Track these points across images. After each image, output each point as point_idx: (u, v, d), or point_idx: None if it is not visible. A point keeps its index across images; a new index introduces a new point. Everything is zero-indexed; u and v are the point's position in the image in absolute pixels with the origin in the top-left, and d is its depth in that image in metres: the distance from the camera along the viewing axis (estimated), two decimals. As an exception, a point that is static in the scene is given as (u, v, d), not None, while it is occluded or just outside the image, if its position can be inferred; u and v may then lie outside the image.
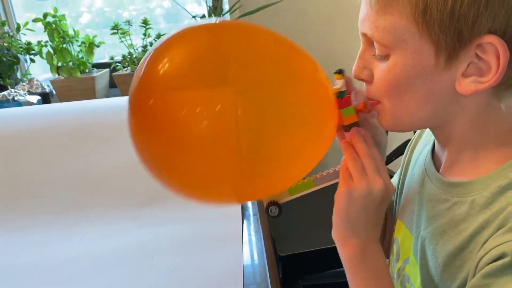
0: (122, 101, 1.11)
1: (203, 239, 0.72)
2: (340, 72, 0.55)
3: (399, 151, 1.39)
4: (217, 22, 0.50)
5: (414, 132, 0.67)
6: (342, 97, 0.53)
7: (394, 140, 1.49)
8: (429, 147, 0.56)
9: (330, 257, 1.19)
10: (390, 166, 1.44)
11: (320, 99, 0.50)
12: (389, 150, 1.45)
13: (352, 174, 0.50)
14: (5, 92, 1.26)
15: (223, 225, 0.75)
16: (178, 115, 0.43)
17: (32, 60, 1.59)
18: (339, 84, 0.54)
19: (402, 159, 0.66)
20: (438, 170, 0.53)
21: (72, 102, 1.11)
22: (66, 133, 0.91)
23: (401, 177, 0.64)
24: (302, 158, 0.50)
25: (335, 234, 0.52)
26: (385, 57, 0.47)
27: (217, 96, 0.43)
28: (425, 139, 0.60)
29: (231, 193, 0.50)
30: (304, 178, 0.57)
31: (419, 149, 0.61)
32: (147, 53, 0.48)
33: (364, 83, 0.51)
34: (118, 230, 0.75)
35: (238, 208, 0.80)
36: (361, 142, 0.51)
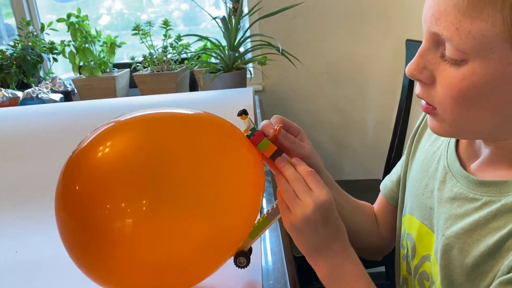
0: (143, 100, 1.13)
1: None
2: (243, 112, 0.56)
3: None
4: (149, 115, 0.52)
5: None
6: (253, 135, 0.55)
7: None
8: (452, 144, 0.55)
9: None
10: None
11: (242, 158, 0.52)
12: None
13: (287, 204, 0.51)
14: (29, 90, 1.29)
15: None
16: (102, 208, 0.46)
17: (55, 59, 1.63)
18: (245, 124, 0.56)
19: (405, 150, 0.67)
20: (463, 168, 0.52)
21: (94, 100, 1.13)
22: (90, 130, 0.92)
23: (405, 167, 0.64)
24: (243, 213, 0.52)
25: (308, 259, 0.53)
26: (460, 63, 0.43)
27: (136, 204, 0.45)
28: (431, 133, 0.59)
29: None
30: (258, 218, 0.57)
31: (426, 142, 0.61)
32: (90, 134, 0.51)
33: (418, 84, 0.49)
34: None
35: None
36: (286, 167, 0.52)
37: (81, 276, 0.57)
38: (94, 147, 0.50)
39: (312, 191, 0.50)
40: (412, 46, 1.43)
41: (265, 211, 0.57)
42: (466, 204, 0.49)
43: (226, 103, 1.00)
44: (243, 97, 1.02)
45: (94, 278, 0.51)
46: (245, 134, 0.55)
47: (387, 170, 1.53)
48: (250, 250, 0.57)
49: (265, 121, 0.56)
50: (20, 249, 0.70)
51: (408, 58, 1.47)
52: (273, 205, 0.57)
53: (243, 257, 0.55)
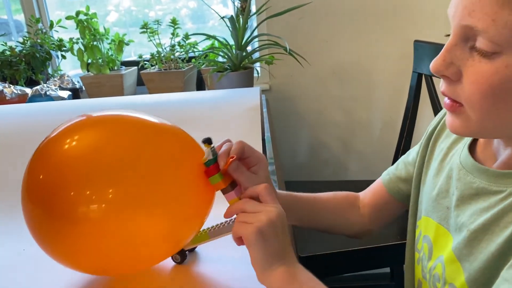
0: (150, 99, 1.14)
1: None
2: (207, 141, 0.57)
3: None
4: (117, 116, 0.58)
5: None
6: (208, 166, 0.57)
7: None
8: (466, 143, 0.56)
9: (349, 260, 1.21)
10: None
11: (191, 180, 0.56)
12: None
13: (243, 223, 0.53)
14: (38, 87, 1.30)
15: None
16: (66, 194, 0.50)
17: (64, 57, 1.64)
18: (206, 153, 0.58)
19: (418, 152, 0.67)
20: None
21: (101, 98, 1.14)
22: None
23: (419, 169, 0.65)
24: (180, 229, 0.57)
25: (262, 275, 0.52)
26: (492, 56, 0.43)
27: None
28: (449, 133, 0.60)
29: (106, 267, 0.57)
30: (200, 231, 0.62)
31: (444, 144, 0.61)
32: (59, 126, 0.56)
33: (442, 81, 0.49)
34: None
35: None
36: (233, 205, 0.55)
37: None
38: (61, 139, 0.54)
39: (260, 211, 0.52)
40: (420, 47, 1.43)
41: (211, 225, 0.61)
42: (491, 197, 0.49)
43: (233, 102, 1.00)
44: (250, 96, 1.02)
45: (59, 260, 0.56)
46: (203, 162, 0.57)
47: (393, 171, 1.53)
48: (185, 253, 0.63)
49: (225, 147, 0.58)
50: (28, 247, 0.71)
51: (416, 59, 1.46)
52: (217, 225, 0.61)
53: (178, 255, 0.62)
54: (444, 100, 0.49)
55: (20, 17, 1.97)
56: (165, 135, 0.57)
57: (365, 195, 0.75)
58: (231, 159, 0.56)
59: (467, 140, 0.57)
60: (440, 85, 0.50)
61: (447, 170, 0.57)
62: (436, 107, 1.35)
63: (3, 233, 0.77)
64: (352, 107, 1.79)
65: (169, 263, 0.63)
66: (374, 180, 1.63)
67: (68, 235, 0.52)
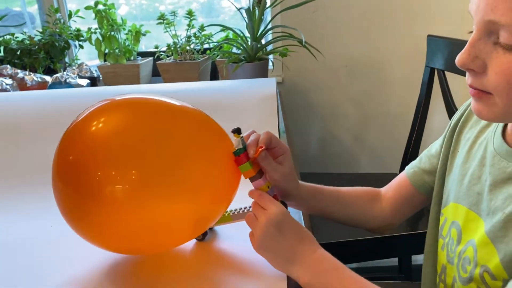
0: (168, 87, 1.16)
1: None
2: (236, 131, 0.60)
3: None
4: (141, 99, 0.60)
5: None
6: (238, 154, 0.60)
7: (429, 137, 1.49)
8: (498, 130, 0.58)
9: (357, 250, 1.22)
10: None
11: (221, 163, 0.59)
12: (423, 149, 1.46)
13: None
14: (58, 75, 1.34)
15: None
16: (93, 175, 0.52)
17: (81, 46, 1.68)
18: (235, 143, 0.61)
19: (441, 144, 0.69)
20: None
21: (121, 86, 1.17)
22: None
23: (444, 160, 0.67)
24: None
25: (287, 274, 0.56)
26: None
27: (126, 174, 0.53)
28: (475, 123, 0.63)
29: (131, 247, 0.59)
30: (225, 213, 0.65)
31: (470, 134, 0.63)
32: (86, 109, 0.58)
33: (468, 74, 0.51)
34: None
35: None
36: (253, 192, 0.59)
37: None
38: (89, 122, 0.56)
39: (265, 209, 0.56)
40: (433, 41, 1.44)
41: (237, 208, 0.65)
42: None
43: (249, 92, 1.03)
44: (266, 86, 1.04)
45: (86, 238, 0.58)
46: (232, 151, 0.60)
47: (404, 165, 1.55)
48: (206, 231, 0.65)
49: (253, 136, 0.61)
50: (55, 224, 0.75)
51: (429, 54, 1.47)
52: (241, 209, 0.64)
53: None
54: (470, 89, 0.52)
55: (32, 9, 2.01)
56: (190, 118, 0.59)
57: (387, 190, 0.77)
58: (260, 149, 0.59)
59: (494, 128, 0.59)
60: (466, 78, 0.52)
61: (479, 158, 0.59)
62: (448, 102, 1.36)
63: (32, 211, 0.80)
64: (364, 101, 1.81)
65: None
66: (385, 173, 1.65)
67: (95, 214, 0.54)
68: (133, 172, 0.52)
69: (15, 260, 0.66)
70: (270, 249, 0.57)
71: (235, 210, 0.65)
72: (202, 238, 0.66)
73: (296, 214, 0.76)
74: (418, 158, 0.75)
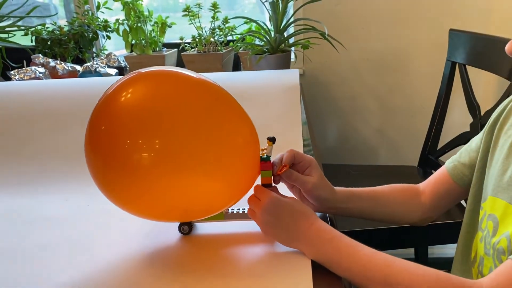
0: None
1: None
2: (271, 139, 0.65)
3: (454, 143, 1.41)
4: (167, 71, 0.62)
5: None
6: (266, 161, 0.64)
7: (449, 132, 1.50)
8: None
9: (373, 239, 1.25)
10: (444, 157, 1.47)
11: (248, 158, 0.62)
12: (443, 143, 1.48)
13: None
14: (88, 64, 1.39)
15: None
16: (123, 142, 0.55)
17: (108, 37, 1.73)
18: (267, 149, 0.65)
19: (481, 138, 0.72)
20: None
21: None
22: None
23: (484, 154, 0.70)
24: (217, 197, 0.62)
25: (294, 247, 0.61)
26: None
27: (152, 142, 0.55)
28: None
29: (157, 212, 0.62)
30: None
31: (511, 130, 0.66)
32: (114, 82, 0.60)
33: None
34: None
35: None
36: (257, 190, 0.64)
37: (145, 222, 0.65)
38: (118, 94, 0.58)
39: (259, 200, 0.62)
40: (455, 35, 1.45)
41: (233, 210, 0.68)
42: None
43: (273, 82, 1.06)
44: (289, 77, 1.07)
45: (119, 205, 0.61)
46: (260, 155, 0.64)
47: (423, 158, 1.56)
48: (192, 225, 0.68)
49: (278, 156, 0.67)
50: (91, 202, 0.80)
51: (451, 48, 1.48)
52: (235, 210, 0.68)
53: (186, 225, 0.67)
54: None
55: (55, 1, 2.08)
56: (216, 95, 0.61)
57: (426, 185, 0.80)
58: (284, 168, 0.65)
59: None
60: None
61: None
62: (469, 96, 1.37)
63: (68, 191, 0.85)
64: (385, 94, 1.83)
65: (175, 234, 0.68)
66: (403, 166, 1.66)
67: (125, 182, 0.56)
68: (157, 141, 0.54)
69: (51, 236, 0.71)
70: (273, 234, 0.62)
71: (229, 210, 0.69)
72: (188, 231, 0.68)
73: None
74: (458, 153, 0.78)
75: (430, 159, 1.53)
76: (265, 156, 0.64)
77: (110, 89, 0.60)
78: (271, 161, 0.66)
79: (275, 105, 0.99)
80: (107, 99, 0.59)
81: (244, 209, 0.68)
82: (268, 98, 1.01)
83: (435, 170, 1.55)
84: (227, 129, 0.59)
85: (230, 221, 0.68)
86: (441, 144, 1.51)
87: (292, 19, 1.39)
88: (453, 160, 0.78)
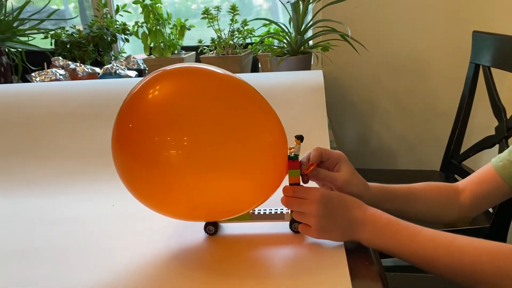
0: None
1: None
2: (299, 137, 0.64)
3: (479, 146, 1.38)
4: (194, 67, 0.61)
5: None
6: (294, 159, 0.63)
7: (472, 136, 1.47)
8: None
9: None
10: (467, 161, 1.44)
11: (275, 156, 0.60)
12: (465, 147, 1.45)
13: (302, 221, 0.62)
14: (108, 66, 1.39)
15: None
16: (151, 140, 0.54)
17: (127, 40, 1.73)
18: (295, 148, 0.64)
19: None
20: None
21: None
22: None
23: None
24: (246, 196, 0.60)
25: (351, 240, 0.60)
26: None
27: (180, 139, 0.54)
28: None
29: (184, 211, 0.61)
30: None
31: None
32: (140, 80, 0.60)
33: None
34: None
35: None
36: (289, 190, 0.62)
37: (171, 222, 0.64)
38: (144, 92, 0.57)
39: (306, 199, 0.60)
40: (479, 37, 1.42)
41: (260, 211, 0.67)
42: None
43: (297, 83, 1.04)
44: (313, 78, 1.06)
45: (146, 202, 0.60)
46: (288, 154, 0.63)
47: (446, 162, 1.53)
48: (218, 225, 0.68)
49: (305, 155, 0.66)
50: (117, 203, 0.79)
51: (474, 50, 1.45)
52: (263, 210, 0.67)
53: (212, 226, 0.66)
54: None
55: (69, 6, 2.10)
56: (244, 92, 0.59)
57: (466, 184, 0.78)
58: (311, 167, 0.64)
59: None
60: None
61: None
62: (494, 99, 1.34)
63: (92, 191, 0.84)
64: (405, 97, 1.80)
65: (201, 235, 0.67)
66: (424, 170, 1.63)
67: (153, 179, 0.56)
68: (185, 138, 0.54)
69: (76, 236, 0.70)
70: (328, 230, 0.60)
71: (255, 210, 0.67)
72: (214, 232, 0.67)
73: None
74: (506, 151, 0.76)
75: (452, 164, 1.50)
76: (293, 155, 0.63)
77: (136, 87, 0.59)
78: (299, 160, 0.64)
79: (301, 106, 0.97)
80: (133, 98, 0.58)
81: (271, 209, 0.67)
82: (293, 99, 1.00)
83: (458, 175, 1.52)
84: (255, 126, 0.57)
85: (256, 222, 0.67)
86: (464, 148, 1.48)
87: (313, 21, 1.38)
88: (501, 159, 0.75)
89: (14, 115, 1.04)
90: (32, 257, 0.65)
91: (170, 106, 0.55)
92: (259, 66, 1.72)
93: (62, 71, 1.41)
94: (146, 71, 1.54)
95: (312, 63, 1.48)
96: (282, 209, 0.66)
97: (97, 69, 1.45)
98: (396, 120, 1.83)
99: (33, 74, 1.38)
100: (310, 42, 1.57)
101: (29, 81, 1.38)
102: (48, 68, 1.48)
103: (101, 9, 1.72)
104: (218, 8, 1.58)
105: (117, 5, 1.73)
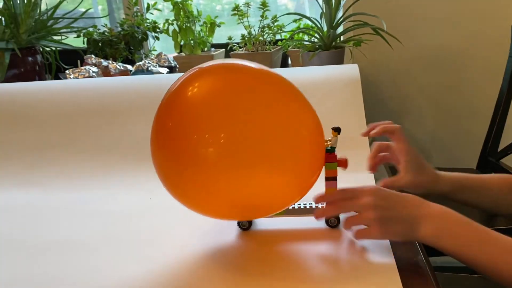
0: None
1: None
2: (336, 129, 0.62)
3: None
4: (229, 64, 0.61)
5: None
6: (331, 152, 0.61)
7: (510, 132, 1.42)
8: None
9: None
10: (506, 159, 1.39)
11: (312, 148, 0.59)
12: (504, 144, 1.40)
13: (358, 222, 0.58)
14: (140, 63, 1.40)
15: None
16: (190, 138, 0.54)
17: (157, 38, 1.74)
18: (332, 140, 0.62)
19: None
20: None
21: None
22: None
23: None
24: (282, 191, 0.58)
25: (412, 237, 0.56)
26: None
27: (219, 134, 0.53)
28: None
29: (222, 210, 0.59)
30: None
31: None
32: (178, 78, 0.59)
33: None
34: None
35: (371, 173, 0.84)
36: (330, 192, 0.61)
37: (199, 217, 0.63)
38: (183, 90, 0.57)
39: (359, 198, 0.57)
40: (519, 31, 1.37)
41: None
42: None
43: (332, 77, 1.03)
44: (349, 72, 1.04)
45: (184, 202, 0.59)
46: (326, 147, 0.61)
47: (483, 160, 1.48)
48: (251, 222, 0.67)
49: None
50: (153, 196, 0.79)
51: (515, 43, 1.40)
52: (297, 205, 0.66)
53: (245, 220, 0.66)
54: None
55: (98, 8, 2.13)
56: (282, 88, 0.59)
57: None
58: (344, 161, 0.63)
59: None
60: None
61: None
62: (535, 93, 1.29)
63: (131, 185, 0.85)
64: (438, 93, 1.75)
65: (234, 229, 0.66)
66: (461, 168, 1.59)
67: (192, 178, 0.55)
68: (222, 135, 0.53)
69: (113, 229, 0.71)
70: (391, 223, 0.56)
71: (301, 204, 0.67)
72: (248, 227, 0.67)
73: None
74: None
75: (490, 161, 1.45)
76: (329, 148, 0.61)
77: (174, 86, 0.59)
78: (336, 153, 0.62)
79: (337, 99, 0.96)
80: (171, 96, 0.58)
81: (306, 204, 0.65)
82: (330, 93, 0.98)
83: (496, 173, 1.47)
84: (291, 120, 0.56)
85: (290, 217, 0.65)
86: (502, 145, 1.43)
87: (346, 15, 1.35)
88: None
89: (50, 111, 1.05)
90: (69, 249, 0.66)
91: (207, 104, 0.55)
92: (289, 62, 1.70)
93: (95, 69, 1.42)
94: (177, 69, 1.54)
95: (344, 57, 1.45)
96: (318, 204, 0.65)
97: (129, 67, 1.46)
98: (429, 116, 1.79)
99: (67, 71, 1.40)
100: (342, 37, 1.55)
101: (61, 80, 1.41)
102: (81, 66, 1.50)
103: (132, 7, 1.74)
104: (248, 5, 1.57)
105: (148, 3, 1.75)
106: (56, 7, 1.61)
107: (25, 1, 1.53)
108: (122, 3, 1.89)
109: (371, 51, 1.57)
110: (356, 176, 0.83)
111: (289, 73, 1.09)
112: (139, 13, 1.77)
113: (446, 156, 1.81)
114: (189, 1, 1.61)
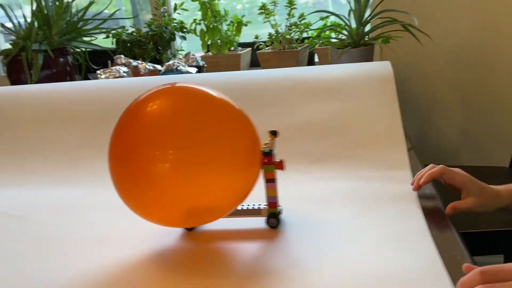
0: (279, 72, 1.17)
1: (378, 195, 0.77)
2: (273, 133, 0.66)
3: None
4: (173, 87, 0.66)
5: None
6: (268, 155, 0.64)
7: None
8: None
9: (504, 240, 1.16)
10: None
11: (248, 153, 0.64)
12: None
13: None
14: (170, 63, 1.42)
15: (395, 186, 0.80)
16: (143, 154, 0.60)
17: (184, 38, 1.76)
18: (269, 143, 0.65)
19: None
20: None
21: (236, 72, 1.21)
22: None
23: None
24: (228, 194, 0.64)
25: None
26: None
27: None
28: None
29: (174, 218, 0.65)
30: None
31: None
32: (138, 97, 0.66)
33: None
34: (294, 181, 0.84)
35: (408, 171, 0.84)
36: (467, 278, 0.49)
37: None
38: (139, 109, 0.64)
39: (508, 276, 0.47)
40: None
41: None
42: None
43: (364, 74, 1.02)
44: (380, 69, 1.03)
45: (137, 211, 0.65)
46: (261, 149, 0.64)
47: (515, 158, 1.45)
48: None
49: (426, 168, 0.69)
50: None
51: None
52: (249, 205, 0.69)
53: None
54: None
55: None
56: (222, 107, 0.65)
57: None
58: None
59: None
60: None
61: None
62: None
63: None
64: (468, 90, 1.72)
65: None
66: (493, 167, 1.56)
67: (145, 190, 0.61)
68: (168, 152, 0.60)
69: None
70: None
71: (244, 206, 0.70)
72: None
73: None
74: None
75: (524, 159, 1.42)
76: (267, 150, 0.64)
77: (132, 103, 0.66)
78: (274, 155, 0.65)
79: (371, 97, 0.95)
80: (128, 113, 0.65)
81: (249, 205, 0.70)
82: (363, 90, 0.97)
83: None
84: (226, 134, 0.62)
85: (235, 218, 0.70)
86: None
87: (375, 11, 1.34)
88: None
89: (86, 110, 1.08)
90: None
91: (157, 124, 0.62)
92: (316, 60, 1.70)
93: (125, 69, 1.45)
94: (205, 68, 1.56)
95: (374, 54, 1.44)
96: (260, 204, 0.69)
97: (158, 66, 1.48)
98: (460, 114, 1.75)
99: (98, 71, 1.43)
100: (373, 32, 1.54)
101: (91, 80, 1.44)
102: (111, 66, 1.53)
103: (160, 7, 1.76)
104: (274, 3, 1.57)
105: (175, 3, 1.76)
106: (86, 8, 1.65)
107: (57, 3, 1.57)
108: (149, 3, 1.91)
109: (400, 47, 1.55)
110: (393, 175, 0.83)
111: (323, 71, 1.09)
112: (166, 14, 1.79)
113: (476, 154, 1.77)
114: (216, 1, 1.62)
